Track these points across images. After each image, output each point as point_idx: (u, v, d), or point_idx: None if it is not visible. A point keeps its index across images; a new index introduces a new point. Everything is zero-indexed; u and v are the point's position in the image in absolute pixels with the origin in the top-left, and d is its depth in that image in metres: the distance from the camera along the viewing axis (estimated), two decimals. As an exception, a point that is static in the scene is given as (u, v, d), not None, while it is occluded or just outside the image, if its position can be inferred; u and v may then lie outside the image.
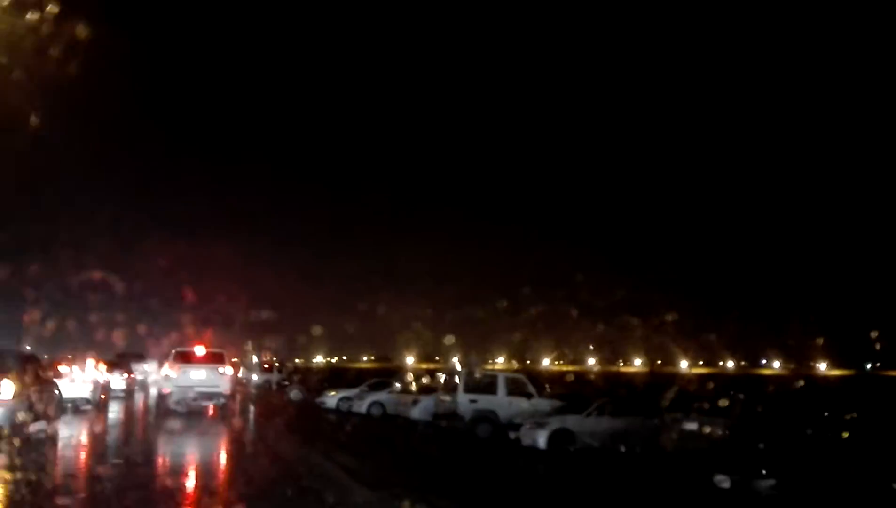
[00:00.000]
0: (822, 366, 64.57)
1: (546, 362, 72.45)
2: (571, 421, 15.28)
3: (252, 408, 27.94)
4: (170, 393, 19.49)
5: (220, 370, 19.67)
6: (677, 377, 33.76)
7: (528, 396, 17.71)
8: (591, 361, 75.48)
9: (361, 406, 24.18)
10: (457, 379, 17.66)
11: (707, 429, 12.66)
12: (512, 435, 15.81)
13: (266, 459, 11.90)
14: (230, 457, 12.75)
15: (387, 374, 32.02)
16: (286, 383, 32.60)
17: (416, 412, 20.95)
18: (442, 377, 19.18)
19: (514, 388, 17.86)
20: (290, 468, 11.08)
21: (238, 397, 32.32)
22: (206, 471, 10.87)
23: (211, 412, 20.76)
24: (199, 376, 19.45)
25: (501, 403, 17.45)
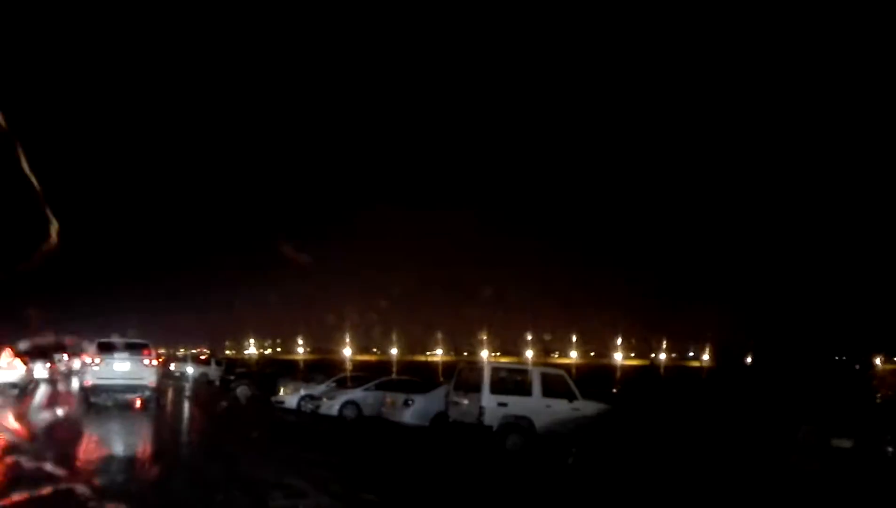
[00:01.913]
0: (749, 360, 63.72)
1: (484, 353, 69.55)
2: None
3: (189, 408, 22.77)
4: (91, 385, 18.05)
5: (145, 361, 18.29)
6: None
7: (571, 397, 13.54)
8: (529, 353, 73.28)
9: (332, 408, 19.47)
10: (481, 375, 13.25)
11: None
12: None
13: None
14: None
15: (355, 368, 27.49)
16: (231, 377, 27.27)
17: (408, 416, 16.48)
18: (456, 372, 14.73)
19: (553, 387, 13.66)
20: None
21: (170, 394, 27.51)
22: None
23: (139, 412, 17.67)
24: (122, 367, 18.05)
25: (538, 407, 13.21)
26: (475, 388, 13.33)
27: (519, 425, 12.94)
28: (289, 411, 21.15)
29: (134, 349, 18.50)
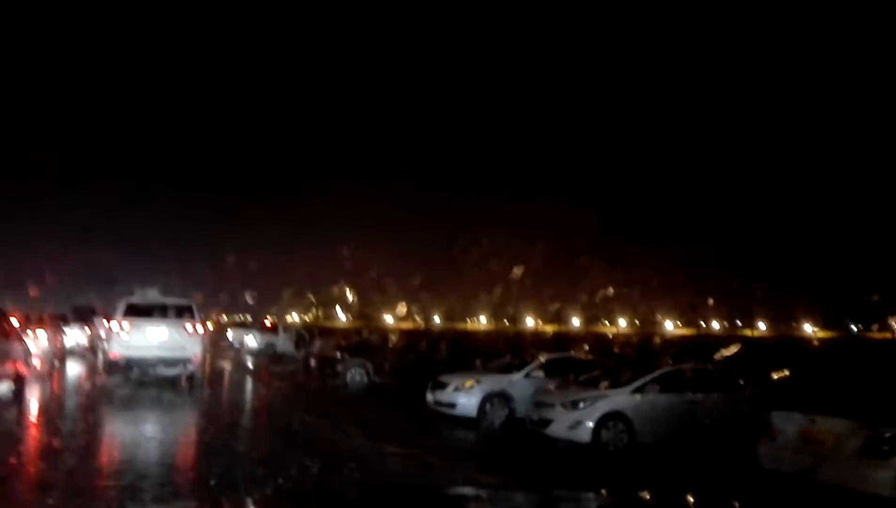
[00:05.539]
0: (808, 328, 55.33)
1: (530, 322, 60.49)
2: None
3: (273, 414, 12.83)
4: (119, 358, 13.92)
5: (187, 327, 13.90)
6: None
7: None
8: (576, 321, 64.34)
9: (580, 427, 9.33)
10: None
11: None
12: None
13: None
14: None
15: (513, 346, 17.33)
16: (338, 354, 16.87)
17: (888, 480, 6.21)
18: None
19: None
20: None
21: (227, 376, 18.55)
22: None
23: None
24: (158, 335, 13.94)
25: None
26: None
27: None
28: (466, 421, 11.09)
29: (173, 311, 14.60)
